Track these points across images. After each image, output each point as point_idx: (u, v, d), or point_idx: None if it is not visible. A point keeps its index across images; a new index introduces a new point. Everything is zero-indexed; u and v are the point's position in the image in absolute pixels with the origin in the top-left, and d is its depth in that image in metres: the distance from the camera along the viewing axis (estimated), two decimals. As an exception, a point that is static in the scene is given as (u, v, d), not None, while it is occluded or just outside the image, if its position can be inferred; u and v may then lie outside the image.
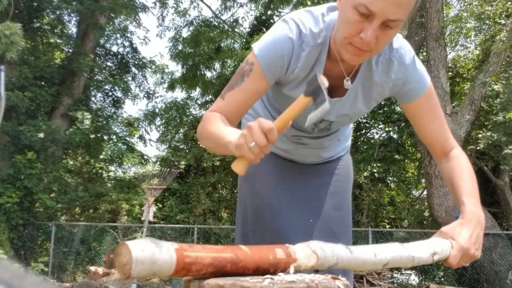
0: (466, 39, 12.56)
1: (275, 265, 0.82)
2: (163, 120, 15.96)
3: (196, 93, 17.12)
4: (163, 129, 16.08)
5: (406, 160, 13.16)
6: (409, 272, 10.01)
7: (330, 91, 1.31)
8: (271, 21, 16.30)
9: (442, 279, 9.90)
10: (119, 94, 15.27)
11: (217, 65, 17.16)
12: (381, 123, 13.31)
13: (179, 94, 37.43)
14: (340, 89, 1.32)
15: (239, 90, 1.26)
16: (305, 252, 0.88)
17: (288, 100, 1.37)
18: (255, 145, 0.95)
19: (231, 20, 17.28)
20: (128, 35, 15.63)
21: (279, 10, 17.69)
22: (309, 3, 17.04)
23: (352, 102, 1.35)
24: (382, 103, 13.48)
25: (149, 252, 0.68)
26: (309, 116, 1.06)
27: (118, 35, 15.46)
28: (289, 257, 0.85)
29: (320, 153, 1.62)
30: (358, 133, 13.53)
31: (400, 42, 1.30)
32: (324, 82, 1.03)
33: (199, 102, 16.87)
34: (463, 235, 1.14)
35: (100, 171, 15.11)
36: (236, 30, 17.18)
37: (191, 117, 16.07)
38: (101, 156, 14.82)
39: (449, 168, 1.35)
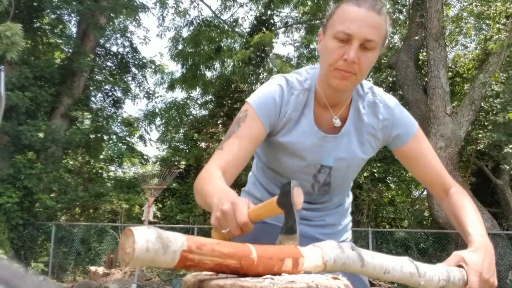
0: (466, 38, 12.56)
1: (277, 274, 0.81)
2: (163, 120, 15.96)
3: (196, 93, 17.14)
4: (163, 129, 16.07)
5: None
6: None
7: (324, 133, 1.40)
8: (271, 21, 16.29)
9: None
10: (119, 94, 15.27)
11: (217, 65, 17.17)
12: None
13: (179, 94, 37.42)
14: (333, 133, 1.39)
15: (237, 136, 1.28)
16: (315, 262, 0.87)
17: (282, 159, 1.39)
18: (229, 231, 0.96)
19: (231, 20, 17.29)
20: (128, 35, 15.64)
21: (279, 10, 17.71)
22: (309, 3, 17.06)
23: (346, 143, 1.39)
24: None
25: (152, 253, 0.68)
26: (279, 236, 0.97)
27: (118, 35, 15.46)
28: (295, 269, 0.83)
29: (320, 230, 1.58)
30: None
31: (381, 91, 1.44)
32: (297, 202, 0.95)
33: (199, 102, 16.88)
34: (475, 260, 1.14)
35: (100, 171, 15.10)
36: (236, 29, 17.19)
37: (191, 117, 16.06)
38: (101, 156, 14.81)
39: (451, 205, 1.37)
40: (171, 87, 16.80)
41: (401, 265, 0.99)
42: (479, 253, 1.16)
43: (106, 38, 15.08)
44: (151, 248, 0.67)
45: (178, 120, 15.89)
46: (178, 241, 0.71)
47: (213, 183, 1.15)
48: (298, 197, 0.96)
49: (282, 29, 17.58)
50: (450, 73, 11.16)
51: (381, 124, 1.39)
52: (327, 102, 1.36)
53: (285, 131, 1.37)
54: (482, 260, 1.14)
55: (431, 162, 1.41)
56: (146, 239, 0.67)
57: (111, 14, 13.56)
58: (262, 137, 1.33)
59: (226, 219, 0.96)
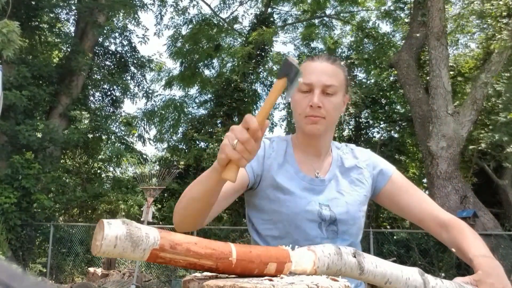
0: (467, 37, 12.52)
1: (258, 276, 0.81)
2: (159, 118, 15.95)
3: (194, 91, 17.12)
4: (159, 127, 16.08)
5: (407, 160, 13.11)
6: (410, 273, 9.92)
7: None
8: (271, 19, 16.25)
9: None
10: (117, 93, 15.21)
11: (216, 64, 17.14)
12: (382, 123, 13.25)
13: (177, 93, 37.41)
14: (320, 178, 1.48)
15: None
16: (304, 267, 0.85)
17: (282, 202, 1.40)
18: (238, 142, 0.96)
19: (231, 18, 17.26)
20: (127, 34, 15.57)
21: (278, 8, 17.69)
22: (308, 0, 17.04)
23: (335, 185, 1.45)
24: (383, 101, 13.45)
25: (120, 249, 0.70)
26: (287, 91, 1.08)
27: (116, 34, 15.40)
28: (279, 273, 0.83)
29: None
30: (359, 133, 13.48)
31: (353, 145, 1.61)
32: (294, 60, 1.05)
33: (197, 101, 16.85)
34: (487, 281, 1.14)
35: (98, 171, 15.03)
36: (236, 28, 17.16)
37: (189, 116, 16.03)
38: (100, 156, 14.75)
39: (450, 237, 1.36)
40: (169, 84, 16.76)
41: (407, 276, 0.97)
42: (490, 275, 1.15)
43: (104, 37, 15.01)
44: (119, 245, 0.70)
45: (175, 118, 15.88)
46: (150, 239, 0.72)
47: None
48: (293, 59, 1.05)
49: (283, 27, 17.57)
50: (451, 72, 11.10)
51: (364, 163, 1.50)
52: (308, 152, 1.46)
53: (275, 171, 1.42)
54: (494, 281, 1.14)
55: (419, 194, 1.46)
56: (116, 235, 0.69)
57: (110, 13, 13.49)
58: (244, 181, 1.35)
59: (234, 130, 0.97)
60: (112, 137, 13.97)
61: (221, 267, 0.78)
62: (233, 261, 0.78)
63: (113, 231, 0.69)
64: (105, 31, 14.26)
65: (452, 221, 1.39)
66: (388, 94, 13.46)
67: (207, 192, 1.14)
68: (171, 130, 16.06)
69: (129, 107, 61.59)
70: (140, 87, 15.85)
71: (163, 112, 16.01)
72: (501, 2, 9.25)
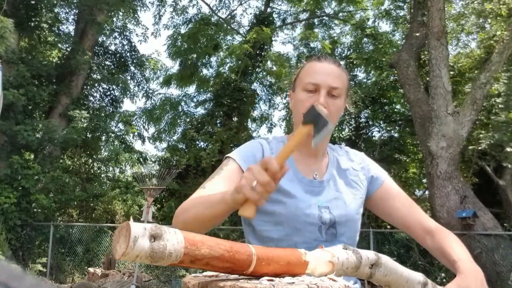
0: (467, 37, 12.52)
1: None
2: (156, 116, 15.99)
3: (193, 90, 17.14)
4: (157, 126, 16.11)
5: (407, 160, 13.10)
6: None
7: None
8: (271, 18, 16.26)
9: (444, 280, 9.82)
10: (117, 93, 15.22)
11: (214, 64, 17.15)
12: (381, 122, 13.25)
13: (175, 91, 37.45)
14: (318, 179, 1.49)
15: (219, 178, 1.35)
16: (321, 270, 0.84)
17: (282, 204, 1.38)
18: (257, 184, 0.94)
19: (229, 18, 17.28)
20: (127, 33, 15.59)
21: (277, 8, 17.70)
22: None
23: (333, 186, 1.46)
24: (383, 101, 13.45)
25: (138, 260, 0.67)
26: (314, 139, 1.11)
27: (116, 34, 15.41)
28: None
29: None
30: (359, 132, 13.48)
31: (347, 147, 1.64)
32: (322, 110, 1.10)
33: (194, 101, 16.87)
34: None
35: (98, 171, 15.03)
36: (235, 27, 17.18)
37: (188, 115, 16.05)
38: (100, 156, 14.75)
39: (434, 242, 1.39)
40: (167, 82, 16.77)
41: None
42: (468, 280, 1.18)
43: (105, 35, 15.01)
44: (138, 259, 0.66)
45: (173, 117, 15.91)
46: (172, 258, 0.68)
47: (209, 194, 1.20)
48: (322, 108, 1.10)
49: (282, 27, 17.59)
50: (451, 72, 11.10)
51: (358, 166, 1.52)
52: (306, 153, 1.46)
53: None
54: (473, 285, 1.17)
55: (406, 202, 1.48)
56: (138, 254, 0.65)
57: (109, 14, 13.49)
58: None
59: (252, 171, 0.96)
60: (112, 136, 13.97)
61: (236, 265, 0.78)
62: (249, 272, 0.78)
63: (137, 248, 0.64)
64: (104, 30, 14.25)
65: (438, 228, 1.42)
66: (388, 94, 13.47)
67: (212, 219, 1.16)
68: (169, 129, 16.07)
69: (129, 107, 61.63)
70: (140, 87, 15.89)
71: (161, 111, 16.02)
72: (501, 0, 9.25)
